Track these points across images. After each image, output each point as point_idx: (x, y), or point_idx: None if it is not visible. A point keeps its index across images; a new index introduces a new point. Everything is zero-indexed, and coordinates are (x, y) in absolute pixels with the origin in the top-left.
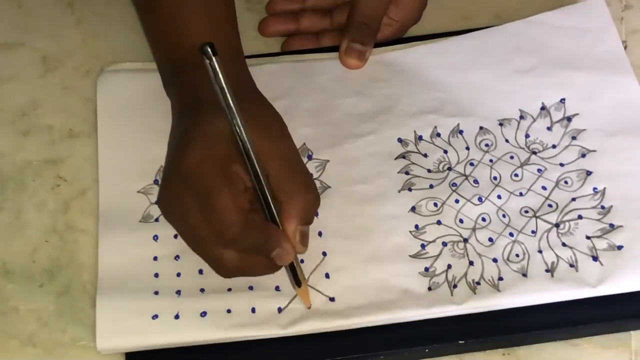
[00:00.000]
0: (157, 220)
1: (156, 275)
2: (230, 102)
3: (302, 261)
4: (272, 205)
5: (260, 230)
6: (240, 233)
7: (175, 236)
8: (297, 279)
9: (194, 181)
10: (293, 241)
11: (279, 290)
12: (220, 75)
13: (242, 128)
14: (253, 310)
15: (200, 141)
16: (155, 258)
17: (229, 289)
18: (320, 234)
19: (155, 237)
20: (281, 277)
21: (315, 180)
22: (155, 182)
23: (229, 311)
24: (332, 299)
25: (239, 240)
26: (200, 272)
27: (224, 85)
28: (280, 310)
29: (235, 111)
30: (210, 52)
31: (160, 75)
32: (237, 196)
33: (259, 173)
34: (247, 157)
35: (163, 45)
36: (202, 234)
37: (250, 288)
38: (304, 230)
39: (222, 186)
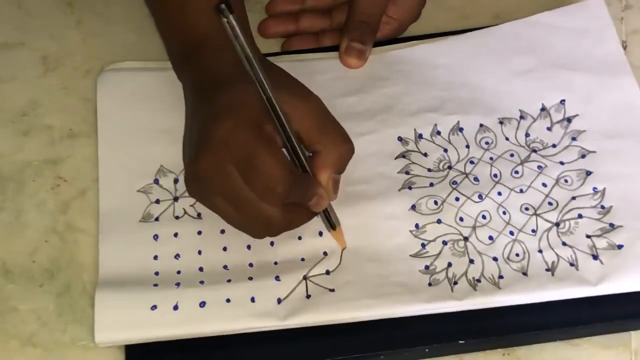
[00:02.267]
0: (157, 219)
1: (156, 273)
2: (252, 56)
3: (302, 259)
4: (302, 158)
5: (303, 183)
6: (289, 187)
7: (176, 235)
8: (331, 223)
9: (232, 148)
10: (327, 188)
11: (279, 281)
12: (239, 32)
13: (265, 83)
14: (253, 299)
15: (230, 109)
16: (155, 257)
17: (229, 280)
18: (320, 233)
19: (156, 237)
20: (281, 267)
21: None
22: (155, 181)
23: (228, 301)
24: (332, 290)
25: (289, 194)
26: (201, 269)
27: (244, 42)
28: (279, 301)
29: (257, 67)
30: (227, 10)
31: (171, 59)
32: (278, 153)
33: (287, 128)
34: (275, 113)
35: (176, 28)
36: (249, 197)
37: (250, 279)
38: (336, 179)
39: (262, 147)
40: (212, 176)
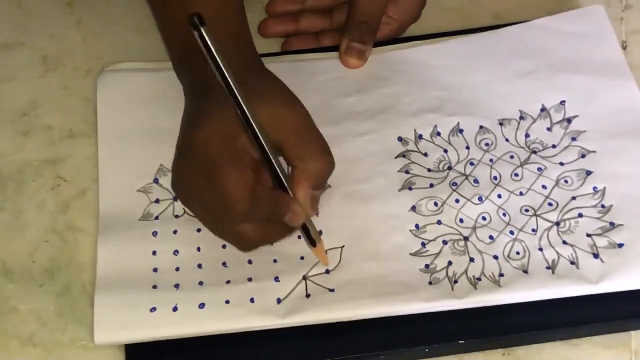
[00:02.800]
0: (157, 218)
1: (155, 269)
2: (223, 68)
3: (302, 258)
4: (278, 172)
5: (268, 200)
6: (249, 206)
7: (175, 232)
8: (311, 239)
9: (201, 159)
10: (304, 204)
11: (279, 281)
12: (210, 44)
13: (238, 95)
14: (252, 300)
15: (206, 119)
16: (154, 253)
17: (228, 281)
18: (320, 233)
19: (155, 233)
20: (280, 267)
21: None
22: (155, 180)
23: (227, 302)
24: (331, 290)
25: (250, 213)
26: (200, 266)
27: (215, 54)
28: (279, 301)
29: (229, 78)
30: (198, 22)
31: (171, 59)
32: (242, 170)
33: (262, 142)
34: (249, 126)
35: (173, 30)
36: (215, 211)
37: (249, 280)
38: (314, 195)
39: (227, 162)
40: (186, 185)
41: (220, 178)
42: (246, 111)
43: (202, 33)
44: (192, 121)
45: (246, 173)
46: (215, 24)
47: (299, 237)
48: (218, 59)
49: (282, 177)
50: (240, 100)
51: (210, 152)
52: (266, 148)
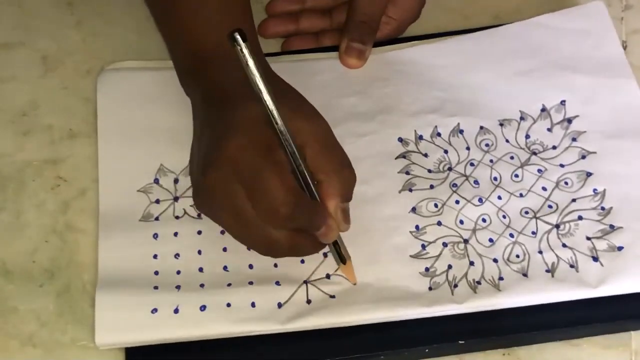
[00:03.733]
0: (157, 219)
1: (156, 272)
2: (264, 86)
3: (302, 262)
4: (311, 184)
5: (309, 208)
6: (293, 211)
7: (176, 234)
8: (341, 256)
9: (241, 166)
10: (336, 218)
11: (279, 285)
12: (252, 61)
13: (277, 112)
14: (253, 304)
15: (240, 127)
16: (155, 256)
17: (229, 284)
18: None
19: (155, 236)
20: (281, 271)
21: None
22: (156, 181)
23: (228, 305)
24: (332, 297)
25: (292, 219)
26: (201, 270)
27: (256, 71)
28: (280, 305)
29: (269, 95)
30: (240, 39)
31: (178, 71)
32: (285, 176)
33: (297, 154)
34: (285, 140)
35: (184, 42)
36: (252, 217)
37: (250, 283)
38: (345, 207)
39: (269, 167)
40: (218, 192)
41: (264, 181)
42: (282, 124)
43: (244, 49)
44: (221, 131)
45: (289, 178)
46: (220, 37)
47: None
48: (258, 74)
49: (314, 190)
50: (277, 115)
51: (249, 159)
52: (300, 160)
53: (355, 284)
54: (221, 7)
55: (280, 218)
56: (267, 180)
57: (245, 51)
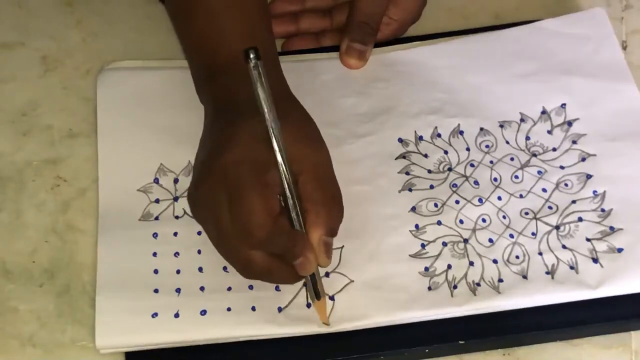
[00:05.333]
0: (157, 218)
1: (156, 271)
2: (269, 108)
3: None
4: (298, 211)
5: (287, 236)
6: (268, 235)
7: (175, 234)
8: (316, 292)
9: (230, 180)
10: (317, 250)
11: (279, 290)
12: (263, 80)
13: (277, 135)
14: (253, 309)
15: (240, 142)
16: (154, 254)
17: (229, 288)
18: None
19: (155, 235)
20: None
21: None
22: (155, 180)
23: (229, 309)
24: (332, 298)
25: (266, 243)
26: (200, 269)
27: (265, 91)
28: (280, 309)
29: (273, 117)
30: (254, 57)
31: (194, 79)
32: (269, 199)
33: (289, 179)
34: (280, 163)
35: (200, 51)
36: (231, 232)
37: (250, 287)
38: (328, 242)
39: (256, 188)
40: (205, 202)
41: (246, 200)
42: (281, 148)
43: (257, 67)
44: (221, 141)
45: (272, 202)
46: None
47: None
48: (264, 95)
49: (300, 218)
50: (278, 139)
51: (240, 175)
52: (291, 186)
53: (326, 325)
54: (239, 17)
55: (253, 240)
56: (250, 199)
57: (255, 71)
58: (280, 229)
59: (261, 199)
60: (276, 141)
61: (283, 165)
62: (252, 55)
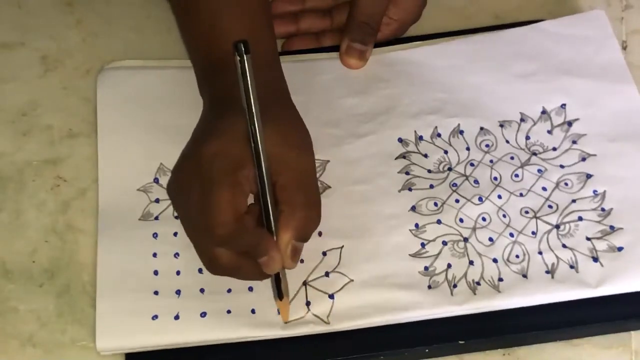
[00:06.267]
0: (157, 218)
1: (155, 272)
2: (252, 102)
3: (302, 261)
4: (270, 213)
5: (251, 234)
6: (229, 234)
7: (175, 234)
8: (280, 292)
9: (203, 172)
10: (284, 252)
11: None
12: (248, 74)
13: (257, 131)
14: (253, 311)
15: (220, 136)
16: (154, 255)
17: (229, 290)
18: (320, 233)
19: (155, 235)
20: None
21: None
22: (155, 180)
23: (229, 312)
24: (331, 297)
25: (228, 241)
26: (200, 271)
27: (250, 84)
28: (279, 311)
29: (254, 112)
30: (243, 50)
31: (195, 74)
32: (237, 197)
33: (265, 179)
34: (257, 160)
35: (200, 46)
36: (196, 226)
37: (250, 289)
38: (297, 246)
39: (225, 184)
40: (180, 191)
41: (213, 196)
42: (259, 144)
43: (243, 60)
44: (204, 133)
45: (239, 200)
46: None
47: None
48: (251, 90)
49: (272, 218)
50: (258, 136)
51: (213, 168)
52: (266, 184)
53: (286, 321)
54: (239, 13)
55: (214, 237)
56: (216, 195)
57: (239, 65)
58: (243, 227)
59: (228, 197)
60: (253, 137)
61: (260, 163)
62: (240, 48)
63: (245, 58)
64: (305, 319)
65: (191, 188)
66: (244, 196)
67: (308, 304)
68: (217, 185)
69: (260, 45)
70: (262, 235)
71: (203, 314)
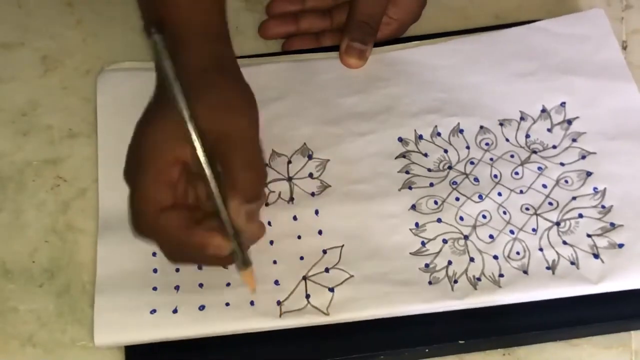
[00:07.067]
0: None
1: (155, 270)
2: (171, 80)
3: (302, 258)
4: (211, 185)
5: (183, 243)
6: (151, 228)
7: None
8: (244, 259)
9: (138, 152)
10: (235, 219)
11: (278, 285)
12: (162, 56)
13: (184, 108)
14: (252, 303)
15: (156, 117)
16: (154, 254)
17: (228, 284)
18: (320, 232)
19: None
20: (280, 269)
21: (316, 180)
22: None
23: (227, 304)
24: (331, 290)
25: (176, 259)
26: (199, 267)
27: (164, 63)
28: (279, 303)
29: (177, 90)
30: (155, 30)
31: None
32: (159, 189)
33: (201, 153)
34: (188, 136)
35: (151, 19)
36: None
37: None
38: (249, 208)
39: (149, 173)
40: (125, 173)
41: (140, 185)
42: (188, 122)
43: (155, 41)
44: (144, 115)
45: (161, 194)
46: (184, 18)
47: (299, 237)
48: (167, 67)
49: (213, 186)
50: (183, 108)
51: (144, 148)
52: (203, 159)
53: (253, 292)
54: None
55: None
56: (142, 186)
57: (158, 44)
58: (167, 226)
59: (152, 188)
60: (181, 113)
61: (193, 138)
62: (152, 31)
63: (157, 38)
64: (305, 310)
65: (132, 165)
66: (167, 188)
67: (308, 296)
68: (144, 169)
69: (204, 18)
70: (191, 236)
71: (201, 307)
